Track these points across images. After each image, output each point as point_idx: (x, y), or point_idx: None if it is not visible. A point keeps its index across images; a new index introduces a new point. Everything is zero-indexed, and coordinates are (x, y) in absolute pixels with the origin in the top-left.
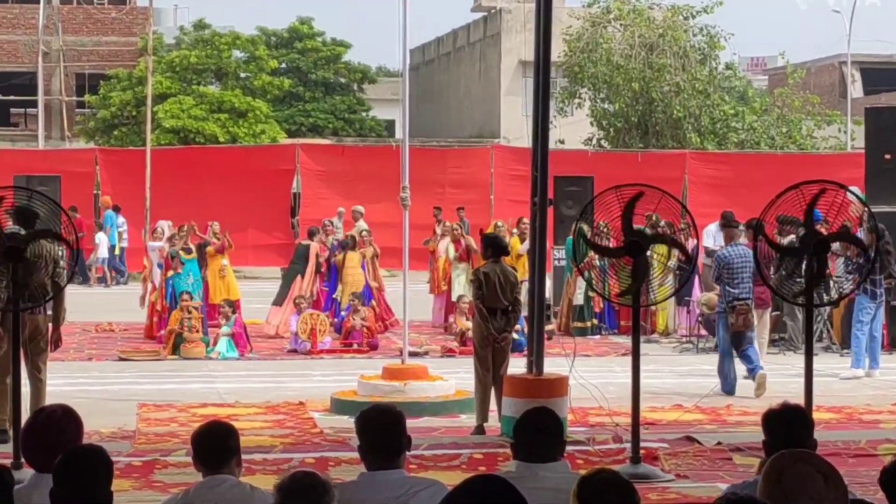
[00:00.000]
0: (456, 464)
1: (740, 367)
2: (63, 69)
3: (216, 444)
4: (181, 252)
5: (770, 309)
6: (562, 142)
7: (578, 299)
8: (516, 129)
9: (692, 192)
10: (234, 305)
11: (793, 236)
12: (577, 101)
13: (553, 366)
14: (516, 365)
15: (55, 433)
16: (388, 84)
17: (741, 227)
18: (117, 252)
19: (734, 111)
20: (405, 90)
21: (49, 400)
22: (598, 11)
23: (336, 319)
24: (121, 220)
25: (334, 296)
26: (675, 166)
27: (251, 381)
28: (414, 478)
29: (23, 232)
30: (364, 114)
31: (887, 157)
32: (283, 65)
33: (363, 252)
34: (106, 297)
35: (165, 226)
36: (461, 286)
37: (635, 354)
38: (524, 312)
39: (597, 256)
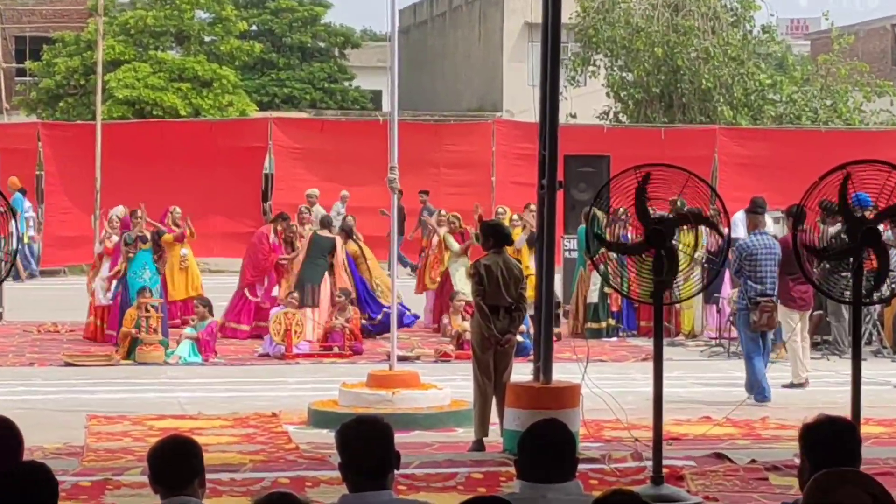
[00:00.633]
0: (451, 484)
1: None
2: (1, 31)
3: (176, 462)
4: (138, 242)
5: (812, 309)
6: (573, 116)
7: (593, 297)
8: (521, 101)
9: (723, 173)
10: (211, 305)
11: (839, 225)
12: (591, 68)
13: (563, 372)
14: (521, 371)
15: None
16: (374, 49)
17: (780, 214)
18: (26, 241)
19: (771, 81)
20: (394, 56)
21: None
22: None
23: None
24: (27, 204)
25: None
26: (703, 144)
27: (216, 389)
28: (403, 500)
29: None
30: (346, 83)
31: None
32: (254, 27)
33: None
34: (50, 294)
35: (117, 214)
36: (462, 281)
37: (657, 359)
38: (530, 311)
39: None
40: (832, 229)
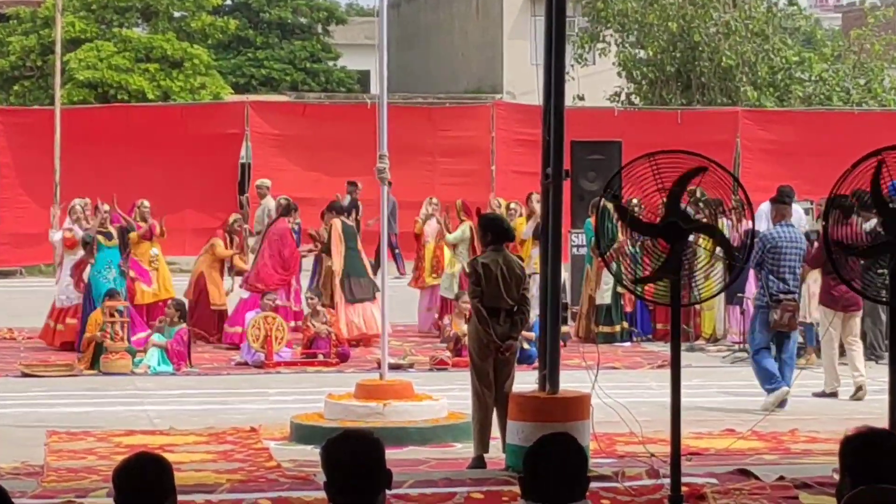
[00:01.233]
0: None
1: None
2: None
3: (145, 483)
4: (99, 237)
5: (861, 312)
6: (581, 98)
7: (604, 297)
8: (524, 81)
9: (746, 160)
10: (185, 310)
11: (876, 219)
12: (600, 45)
13: (571, 381)
14: (525, 380)
15: None
16: (361, 25)
17: (810, 205)
18: None
19: (799, 58)
20: (382, 32)
21: None
22: None
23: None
24: None
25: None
26: (724, 128)
27: (189, 401)
28: None
29: None
30: (331, 63)
31: None
32: (229, 1)
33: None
34: (5, 297)
35: (80, 206)
36: (455, 278)
37: (675, 366)
38: (534, 314)
39: (627, 243)
40: (868, 224)
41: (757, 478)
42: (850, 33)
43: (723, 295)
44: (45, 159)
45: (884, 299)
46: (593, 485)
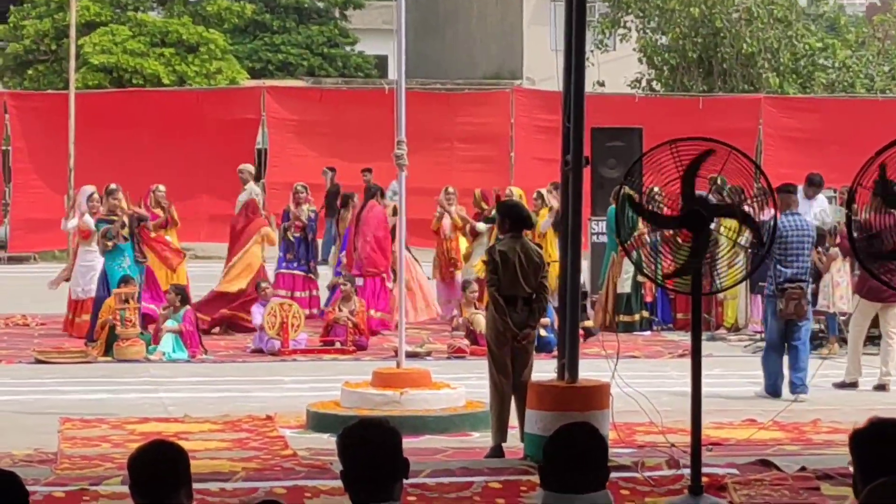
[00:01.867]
0: (467, 494)
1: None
2: None
3: (160, 471)
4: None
5: None
6: (601, 84)
7: (624, 286)
8: (543, 67)
9: (768, 147)
10: (185, 293)
11: None
12: (620, 31)
13: (591, 370)
14: (543, 369)
15: None
16: (379, 10)
17: (833, 193)
18: None
19: (822, 45)
20: (401, 17)
21: None
22: None
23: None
24: None
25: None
26: (746, 115)
27: (204, 389)
28: None
29: None
30: (348, 48)
31: None
32: None
33: None
34: (18, 283)
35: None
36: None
37: (696, 355)
38: (553, 302)
39: (647, 231)
40: None
41: (778, 468)
42: (874, 19)
43: (745, 284)
44: (58, 144)
45: None
46: (613, 475)
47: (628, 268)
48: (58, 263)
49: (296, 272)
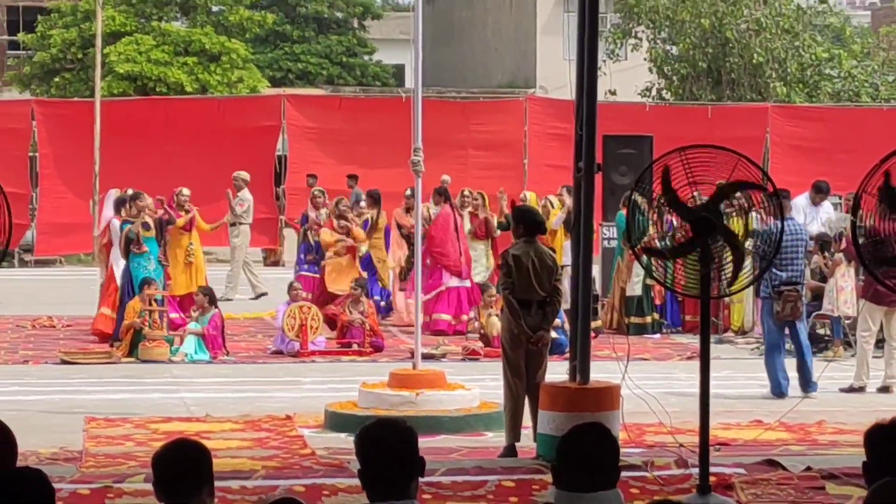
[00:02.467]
0: (481, 493)
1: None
2: None
3: (183, 469)
4: (141, 230)
5: None
6: (613, 93)
7: (635, 289)
8: (556, 76)
9: (775, 155)
10: (213, 295)
11: None
12: (632, 41)
13: (601, 371)
14: (556, 370)
15: None
16: (397, 20)
17: (843, 200)
18: None
19: (828, 55)
20: (417, 27)
21: None
22: None
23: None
24: None
25: None
26: (754, 123)
27: (226, 389)
28: None
29: None
30: (366, 57)
31: None
32: None
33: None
34: (45, 285)
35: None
36: (483, 268)
37: (704, 358)
38: (565, 305)
39: (657, 237)
40: None
41: (784, 468)
42: (880, 30)
43: (752, 288)
44: (83, 150)
45: None
46: (623, 474)
47: (639, 271)
48: (83, 267)
49: (316, 275)
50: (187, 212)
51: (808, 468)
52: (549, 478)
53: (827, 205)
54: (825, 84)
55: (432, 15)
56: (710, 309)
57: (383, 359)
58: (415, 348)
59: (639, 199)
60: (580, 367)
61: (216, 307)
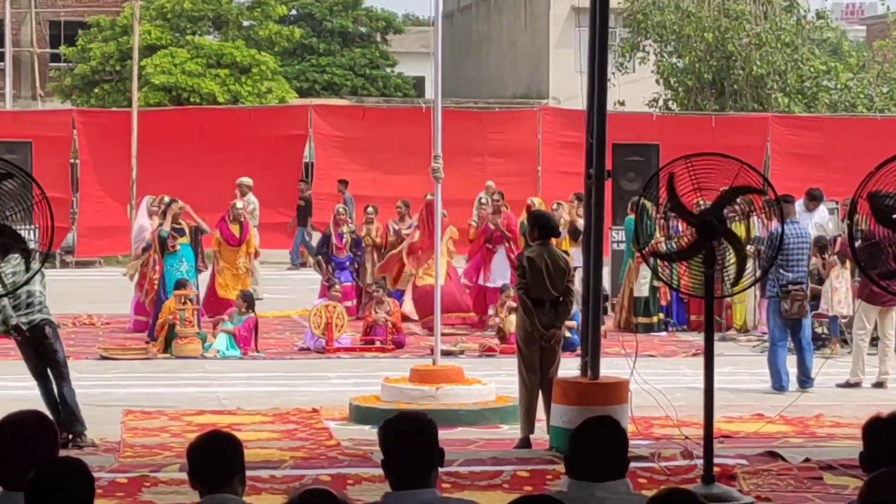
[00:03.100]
0: (497, 482)
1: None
2: (35, 16)
3: (216, 459)
4: (172, 233)
5: None
6: (622, 103)
7: (642, 290)
8: (568, 88)
9: (776, 162)
10: (252, 301)
11: None
12: (640, 55)
13: (611, 367)
14: (569, 366)
15: (26, 444)
16: (417, 35)
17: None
18: None
19: (826, 67)
20: (437, 41)
21: (18, 405)
22: None
23: None
24: None
25: None
26: (755, 132)
27: (256, 384)
28: (448, 498)
29: None
30: (389, 69)
31: None
32: (294, 11)
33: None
34: (84, 285)
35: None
36: (499, 268)
37: (708, 354)
38: (577, 306)
39: (663, 240)
40: None
41: (784, 459)
42: (874, 44)
43: (754, 288)
44: (121, 158)
45: None
46: (631, 464)
47: (645, 273)
48: (121, 268)
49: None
50: (241, 224)
51: (807, 459)
52: (561, 468)
53: (822, 209)
54: (823, 95)
55: (451, 30)
56: (713, 308)
57: (405, 355)
58: (434, 345)
59: (647, 203)
60: (591, 363)
61: (253, 312)
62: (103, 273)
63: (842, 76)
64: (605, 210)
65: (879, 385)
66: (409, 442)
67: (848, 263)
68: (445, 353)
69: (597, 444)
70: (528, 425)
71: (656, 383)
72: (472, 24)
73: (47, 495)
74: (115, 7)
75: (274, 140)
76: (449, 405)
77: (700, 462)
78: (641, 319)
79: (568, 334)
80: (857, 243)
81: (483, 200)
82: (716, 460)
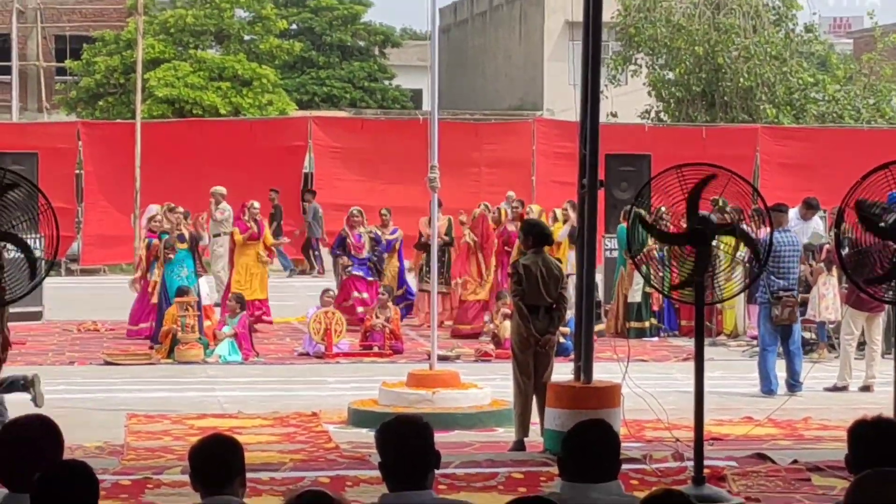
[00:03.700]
0: (492, 484)
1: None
2: (41, 30)
3: (217, 461)
4: (176, 241)
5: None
6: (614, 115)
7: (635, 296)
8: (562, 100)
9: (765, 172)
10: (244, 301)
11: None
12: (632, 67)
13: (604, 372)
14: (561, 371)
15: (32, 448)
16: (415, 48)
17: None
18: None
19: (814, 79)
20: (434, 55)
21: (24, 410)
22: None
23: None
24: None
25: None
26: (744, 143)
27: (256, 388)
28: (444, 500)
29: None
30: (386, 82)
31: None
32: (294, 26)
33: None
34: (89, 292)
35: (156, 210)
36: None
37: (699, 359)
38: (571, 312)
39: (656, 247)
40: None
41: (773, 461)
42: (862, 57)
43: (743, 294)
44: (125, 168)
45: (889, 299)
46: (623, 466)
47: (638, 279)
48: (125, 276)
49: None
50: (256, 223)
51: (795, 461)
52: (555, 470)
53: (816, 219)
54: (811, 107)
55: (448, 44)
56: (703, 314)
57: (402, 360)
58: (431, 350)
59: (640, 212)
60: (584, 367)
61: (244, 309)
62: (107, 281)
63: (829, 88)
64: (598, 219)
65: (866, 389)
66: (407, 445)
67: (835, 270)
68: (442, 358)
69: (589, 447)
70: (523, 428)
71: (648, 387)
72: (468, 38)
73: (53, 497)
74: (120, 22)
75: (274, 151)
76: (445, 409)
77: (690, 464)
78: (634, 324)
79: (562, 340)
80: (845, 251)
81: (515, 204)
82: (706, 462)
